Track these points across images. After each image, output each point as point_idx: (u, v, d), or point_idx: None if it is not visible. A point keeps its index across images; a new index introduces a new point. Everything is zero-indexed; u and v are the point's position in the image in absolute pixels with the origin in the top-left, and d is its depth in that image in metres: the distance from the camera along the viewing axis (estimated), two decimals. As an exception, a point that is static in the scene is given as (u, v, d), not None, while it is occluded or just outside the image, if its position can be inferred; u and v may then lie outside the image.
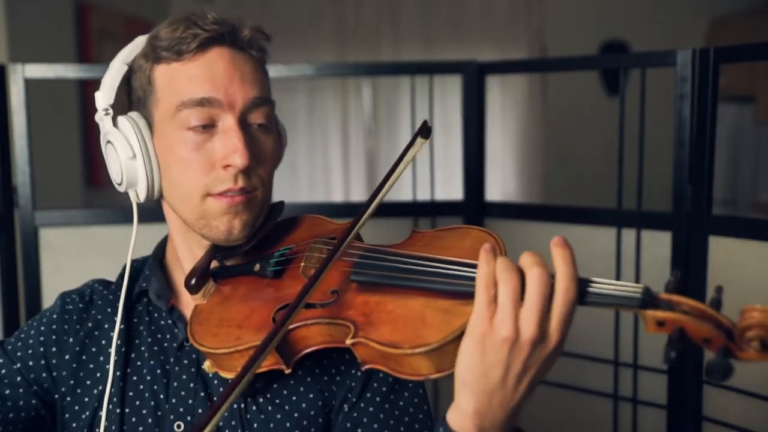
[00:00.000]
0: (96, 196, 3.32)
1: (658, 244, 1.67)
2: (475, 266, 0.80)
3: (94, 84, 3.74)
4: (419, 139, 0.94)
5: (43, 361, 1.01)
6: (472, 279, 0.78)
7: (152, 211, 1.79)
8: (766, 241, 1.48)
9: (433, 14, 4.41)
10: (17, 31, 2.68)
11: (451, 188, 2.26)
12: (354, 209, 1.99)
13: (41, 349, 1.02)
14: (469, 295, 0.78)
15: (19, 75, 1.69)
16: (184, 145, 0.94)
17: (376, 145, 4.50)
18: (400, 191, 5.15)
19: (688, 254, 1.60)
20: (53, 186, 2.49)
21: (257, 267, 0.97)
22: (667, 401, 1.67)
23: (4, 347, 1.02)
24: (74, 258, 1.77)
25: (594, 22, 4.49)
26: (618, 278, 1.72)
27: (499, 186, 4.40)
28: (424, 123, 0.94)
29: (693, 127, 1.59)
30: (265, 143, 0.98)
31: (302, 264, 0.94)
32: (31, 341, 1.02)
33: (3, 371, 0.99)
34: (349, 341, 0.82)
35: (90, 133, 3.28)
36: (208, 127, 0.94)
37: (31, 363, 1.01)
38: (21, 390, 0.99)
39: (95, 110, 1.01)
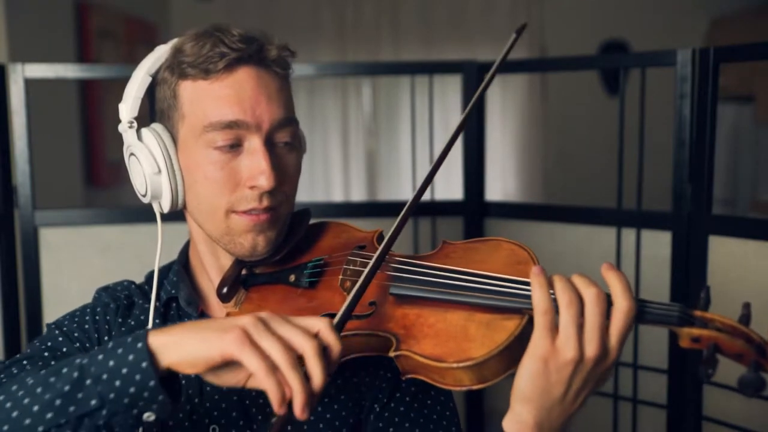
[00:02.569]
0: (96, 196, 3.32)
1: (658, 244, 1.67)
2: (514, 282, 0.83)
3: (94, 84, 3.73)
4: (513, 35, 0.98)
5: (97, 347, 1.01)
6: (514, 295, 0.82)
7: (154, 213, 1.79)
8: (766, 241, 1.48)
9: (433, 14, 4.41)
10: (17, 31, 2.68)
11: (451, 188, 2.26)
12: (354, 209, 2.00)
13: (96, 336, 1.03)
14: (509, 310, 0.82)
15: (19, 75, 1.69)
16: (210, 163, 0.95)
17: (376, 145, 4.49)
18: (400, 191, 5.14)
19: (688, 254, 1.60)
20: (53, 186, 2.49)
21: (292, 277, 0.98)
22: (667, 401, 1.67)
23: (61, 329, 1.03)
24: (74, 258, 1.77)
25: (594, 22, 4.48)
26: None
27: (499, 186, 4.40)
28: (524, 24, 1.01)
29: (693, 127, 1.59)
30: (289, 161, 0.99)
31: (340, 276, 0.95)
32: (86, 326, 1.03)
33: (65, 349, 1.00)
34: (392, 353, 0.84)
35: (90, 133, 3.28)
36: (235, 146, 0.95)
37: (88, 345, 1.02)
38: None
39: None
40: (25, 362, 0.97)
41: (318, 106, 4.40)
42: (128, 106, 0.99)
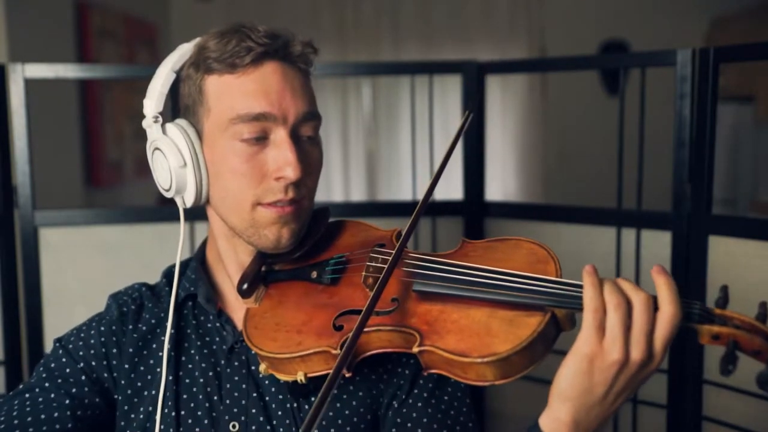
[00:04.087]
0: (96, 196, 3.33)
1: (658, 244, 1.67)
2: (536, 279, 0.85)
3: (94, 84, 3.72)
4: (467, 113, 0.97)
5: (104, 362, 1.02)
6: (536, 292, 0.83)
7: (156, 212, 1.80)
8: (766, 241, 1.48)
9: (433, 14, 4.42)
10: (17, 31, 2.69)
11: (451, 188, 2.26)
12: (354, 209, 2.00)
13: (103, 350, 1.03)
14: (531, 307, 0.83)
15: (19, 75, 1.69)
16: (237, 156, 0.96)
17: (376, 145, 4.50)
18: (400, 191, 5.13)
19: (688, 254, 1.60)
20: (53, 186, 2.49)
21: (314, 274, 0.99)
22: (667, 401, 1.67)
23: (65, 347, 1.03)
24: (74, 258, 1.77)
25: (594, 22, 4.49)
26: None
27: (499, 186, 4.40)
28: (473, 99, 0.98)
29: (693, 127, 1.59)
30: (313, 155, 1.00)
31: (363, 273, 0.96)
32: (92, 341, 1.03)
33: (68, 371, 1.01)
34: (416, 349, 0.85)
35: (90, 133, 3.28)
36: (261, 139, 0.96)
37: (93, 363, 1.02)
38: (86, 389, 1.00)
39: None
40: (27, 395, 0.98)
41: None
42: (153, 102, 1.00)
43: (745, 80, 4.01)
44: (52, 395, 0.98)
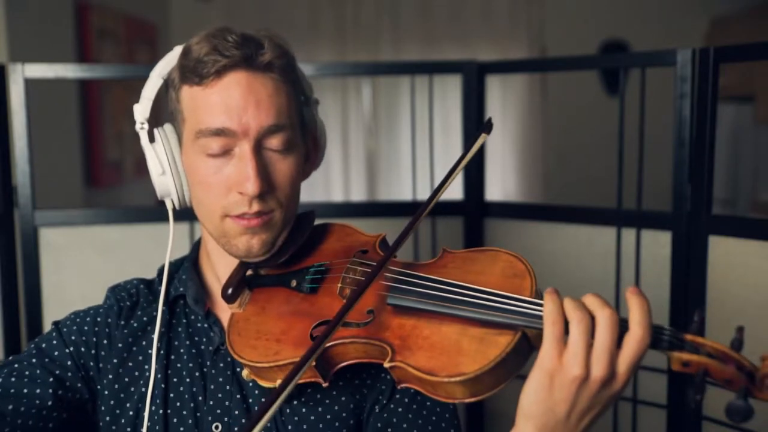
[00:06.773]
0: (96, 196, 3.32)
1: (658, 244, 1.67)
2: (510, 298, 0.84)
3: (94, 84, 3.71)
4: (482, 135, 0.94)
5: (93, 351, 1.04)
6: (508, 311, 0.82)
7: (156, 213, 1.80)
8: (766, 241, 1.48)
9: (433, 14, 4.42)
10: (17, 31, 2.68)
11: (451, 188, 2.26)
12: (354, 209, 2.00)
13: (94, 339, 1.05)
14: (502, 325, 0.82)
15: (19, 75, 1.69)
16: (205, 168, 0.97)
17: (376, 145, 4.50)
18: (401, 191, 5.11)
19: (688, 254, 1.60)
20: (53, 186, 2.49)
21: (294, 283, 1.00)
22: (667, 401, 1.67)
23: (60, 329, 1.06)
24: (74, 258, 1.77)
25: (594, 22, 4.49)
26: (618, 278, 1.72)
27: (499, 186, 4.40)
28: (489, 120, 0.97)
29: (693, 126, 1.59)
30: (282, 167, 0.98)
31: (339, 285, 0.97)
32: (85, 328, 1.06)
33: (56, 353, 1.03)
34: (387, 364, 0.85)
35: (90, 133, 3.28)
36: (227, 152, 0.96)
37: (82, 349, 1.04)
38: (70, 373, 1.02)
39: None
40: (15, 365, 1.01)
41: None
42: (141, 108, 1.02)
43: (745, 80, 4.01)
44: (38, 371, 1.00)
